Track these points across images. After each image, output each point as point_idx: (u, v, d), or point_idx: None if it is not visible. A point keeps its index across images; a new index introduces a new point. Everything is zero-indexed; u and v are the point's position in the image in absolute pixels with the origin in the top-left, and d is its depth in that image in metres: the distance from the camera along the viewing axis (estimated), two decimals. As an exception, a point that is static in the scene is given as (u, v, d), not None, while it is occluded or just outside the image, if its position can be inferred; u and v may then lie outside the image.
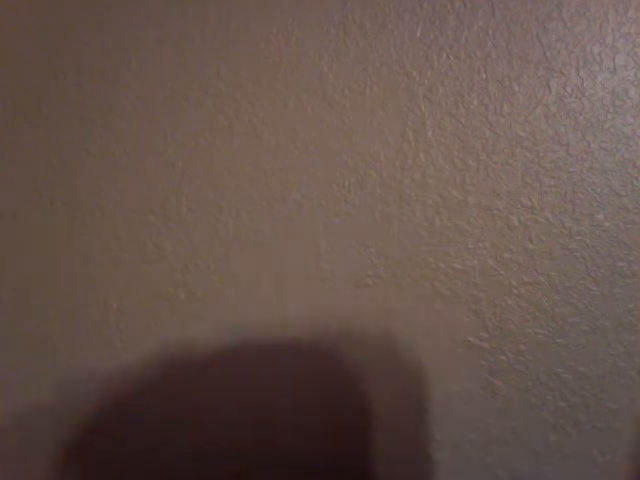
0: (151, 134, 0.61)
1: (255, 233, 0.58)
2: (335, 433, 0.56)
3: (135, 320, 0.60)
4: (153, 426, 0.59)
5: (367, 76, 0.58)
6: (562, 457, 0.54)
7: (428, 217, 0.56)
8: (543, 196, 0.54)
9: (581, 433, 0.53)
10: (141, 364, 0.59)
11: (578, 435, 0.53)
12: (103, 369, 0.59)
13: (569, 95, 0.55)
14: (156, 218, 0.60)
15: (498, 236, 0.55)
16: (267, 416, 0.57)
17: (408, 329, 0.56)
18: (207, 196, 0.60)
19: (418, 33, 0.57)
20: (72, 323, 0.60)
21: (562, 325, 0.54)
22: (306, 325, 0.57)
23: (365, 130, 0.58)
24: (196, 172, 0.60)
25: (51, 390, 0.60)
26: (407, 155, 0.57)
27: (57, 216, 0.62)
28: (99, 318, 0.60)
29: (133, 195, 0.61)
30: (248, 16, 0.61)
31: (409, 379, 0.56)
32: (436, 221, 0.56)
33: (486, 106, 0.56)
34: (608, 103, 0.54)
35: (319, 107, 0.59)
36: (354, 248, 0.57)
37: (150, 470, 0.58)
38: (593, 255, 0.53)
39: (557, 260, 0.54)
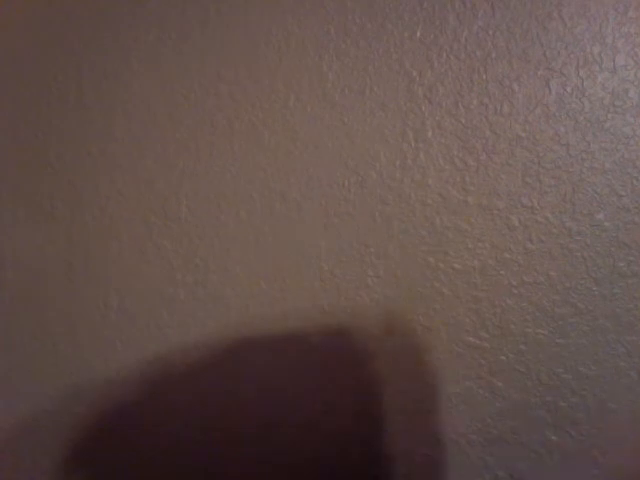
0: (151, 134, 0.61)
1: (255, 233, 0.58)
2: (335, 433, 0.56)
3: (135, 320, 0.60)
4: (153, 426, 0.59)
5: (367, 76, 0.58)
6: (562, 457, 0.54)
7: (428, 217, 0.56)
8: (543, 196, 0.54)
9: (581, 433, 0.53)
10: (141, 364, 0.59)
11: (578, 435, 0.53)
12: (103, 369, 0.59)
13: (569, 95, 0.55)
14: (156, 218, 0.60)
15: (498, 236, 0.55)
16: (268, 416, 0.57)
17: (408, 329, 0.56)
18: (207, 196, 0.60)
19: (418, 33, 0.57)
20: (72, 323, 0.60)
21: (562, 325, 0.54)
22: (306, 325, 0.57)
23: (365, 130, 0.58)
24: (196, 172, 0.60)
25: (51, 390, 0.60)
26: (407, 155, 0.57)
27: (57, 216, 0.62)
28: (99, 318, 0.60)
29: (133, 195, 0.61)
30: (248, 16, 0.61)
31: (409, 379, 0.56)
32: (436, 221, 0.56)
33: (486, 106, 0.56)
34: (608, 103, 0.54)
35: (319, 107, 0.59)
36: (354, 248, 0.57)
37: (151, 470, 0.58)
38: (593, 255, 0.53)
39: (557, 260, 0.54)
